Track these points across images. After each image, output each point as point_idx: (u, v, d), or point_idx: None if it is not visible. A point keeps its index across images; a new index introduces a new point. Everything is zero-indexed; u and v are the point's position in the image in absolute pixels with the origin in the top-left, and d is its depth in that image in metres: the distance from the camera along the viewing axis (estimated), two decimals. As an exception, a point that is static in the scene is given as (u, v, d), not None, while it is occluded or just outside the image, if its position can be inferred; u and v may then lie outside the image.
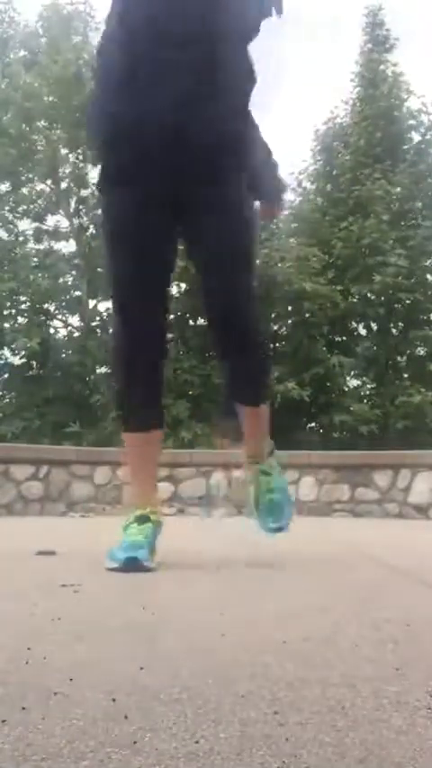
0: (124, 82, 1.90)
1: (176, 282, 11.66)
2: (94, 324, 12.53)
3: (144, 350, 2.04)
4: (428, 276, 13.20)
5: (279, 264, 11.55)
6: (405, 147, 14.14)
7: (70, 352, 11.83)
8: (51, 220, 12.73)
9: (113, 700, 0.83)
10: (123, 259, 2.01)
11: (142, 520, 2.02)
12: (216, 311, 2.07)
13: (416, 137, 14.32)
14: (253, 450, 2.28)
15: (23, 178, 12.56)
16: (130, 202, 1.97)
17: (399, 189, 13.41)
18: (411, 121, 14.26)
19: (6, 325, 11.63)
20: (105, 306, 12.66)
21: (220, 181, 1.93)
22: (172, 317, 11.80)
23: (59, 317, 12.70)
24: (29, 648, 1.06)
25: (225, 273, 1.99)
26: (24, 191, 12.70)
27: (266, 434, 2.29)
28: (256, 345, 2.15)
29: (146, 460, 2.16)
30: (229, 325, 2.05)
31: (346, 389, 12.76)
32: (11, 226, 12.61)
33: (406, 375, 12.91)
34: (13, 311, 11.99)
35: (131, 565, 1.87)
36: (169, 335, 2.27)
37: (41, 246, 12.61)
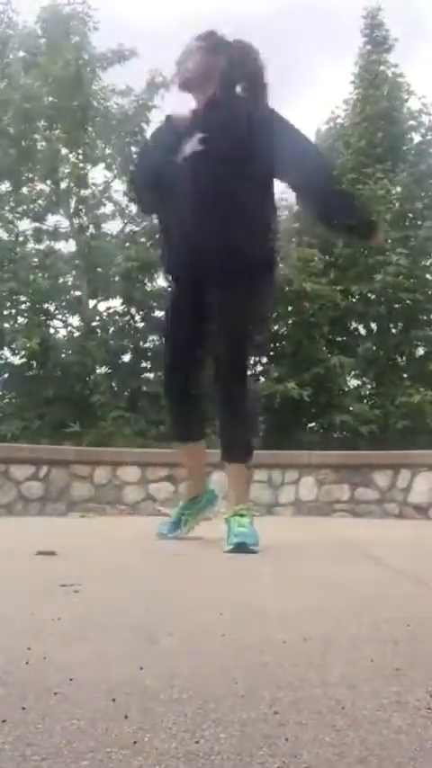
0: None
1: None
2: (94, 324, 12.52)
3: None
4: (429, 276, 13.19)
5: (280, 265, 11.54)
6: (405, 147, 14.13)
7: (70, 352, 11.81)
8: (51, 220, 12.72)
9: (113, 700, 0.83)
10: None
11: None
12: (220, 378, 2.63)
13: (416, 137, 14.33)
14: (233, 501, 2.61)
15: (23, 178, 12.55)
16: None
17: (399, 189, 13.41)
18: (412, 122, 14.25)
19: (6, 325, 11.61)
20: (105, 306, 12.66)
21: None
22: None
23: (59, 317, 12.69)
24: (29, 648, 1.06)
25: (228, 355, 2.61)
26: (24, 191, 12.67)
27: (246, 493, 2.70)
28: (246, 412, 2.65)
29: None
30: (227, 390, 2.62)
31: (347, 389, 12.75)
32: (11, 226, 12.59)
33: (406, 375, 12.90)
34: (13, 311, 11.97)
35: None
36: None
37: (41, 246, 12.59)
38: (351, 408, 11.83)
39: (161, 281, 11.80)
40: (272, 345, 12.42)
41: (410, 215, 13.48)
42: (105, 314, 12.56)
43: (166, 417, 3.02)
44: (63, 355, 11.79)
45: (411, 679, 0.93)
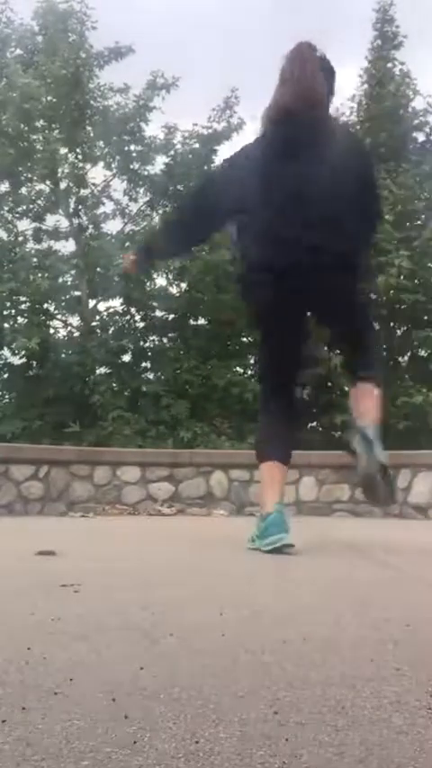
0: None
1: (176, 282, 11.62)
2: (94, 324, 12.51)
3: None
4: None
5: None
6: (410, 147, 14.08)
7: (70, 352, 11.80)
8: (51, 220, 12.69)
9: (113, 700, 0.83)
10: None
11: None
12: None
13: (420, 137, 14.27)
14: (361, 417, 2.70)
15: (23, 178, 12.53)
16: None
17: (402, 189, 13.38)
18: (416, 122, 14.19)
19: (6, 325, 11.60)
20: (105, 306, 12.65)
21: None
22: (173, 316, 11.80)
23: (59, 316, 12.68)
24: (29, 648, 1.06)
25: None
26: (24, 191, 12.66)
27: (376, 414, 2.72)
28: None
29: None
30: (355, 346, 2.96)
31: (347, 389, 12.71)
32: (10, 226, 12.57)
33: (408, 375, 12.89)
34: (13, 311, 11.96)
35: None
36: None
37: (41, 246, 12.58)
38: (352, 408, 11.80)
39: (161, 281, 11.80)
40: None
41: (414, 215, 13.45)
42: (105, 314, 12.56)
43: (257, 432, 3.11)
44: (63, 355, 11.78)
45: (411, 679, 0.93)
